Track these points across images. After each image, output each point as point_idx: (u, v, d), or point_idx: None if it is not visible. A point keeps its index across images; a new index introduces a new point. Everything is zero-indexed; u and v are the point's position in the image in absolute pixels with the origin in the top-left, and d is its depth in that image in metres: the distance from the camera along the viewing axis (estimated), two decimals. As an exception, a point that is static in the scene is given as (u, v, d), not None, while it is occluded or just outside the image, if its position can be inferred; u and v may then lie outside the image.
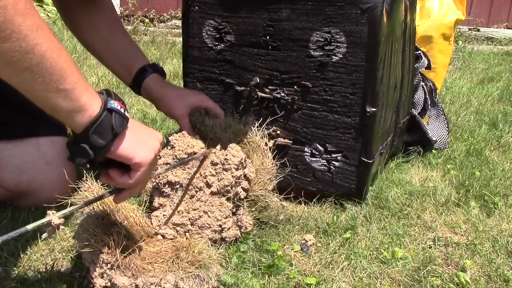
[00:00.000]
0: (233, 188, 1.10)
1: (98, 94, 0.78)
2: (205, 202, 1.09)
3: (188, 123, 1.17)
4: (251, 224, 1.12)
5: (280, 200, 1.23)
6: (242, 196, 1.12)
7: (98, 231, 0.88)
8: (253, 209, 1.15)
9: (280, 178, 1.21)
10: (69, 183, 1.19)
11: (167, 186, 1.10)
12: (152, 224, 1.09)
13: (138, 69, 1.20)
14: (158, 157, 0.88)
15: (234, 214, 1.12)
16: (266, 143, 1.21)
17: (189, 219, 1.09)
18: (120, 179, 0.80)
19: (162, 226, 1.08)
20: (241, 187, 1.11)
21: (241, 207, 1.12)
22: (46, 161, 1.19)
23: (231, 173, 1.09)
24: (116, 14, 1.27)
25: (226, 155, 1.09)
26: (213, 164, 1.09)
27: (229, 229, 1.10)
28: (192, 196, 1.10)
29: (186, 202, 1.10)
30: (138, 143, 0.79)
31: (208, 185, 1.10)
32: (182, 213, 1.10)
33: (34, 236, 1.09)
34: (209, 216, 1.09)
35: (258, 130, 1.20)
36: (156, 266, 0.88)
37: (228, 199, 1.10)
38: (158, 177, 1.10)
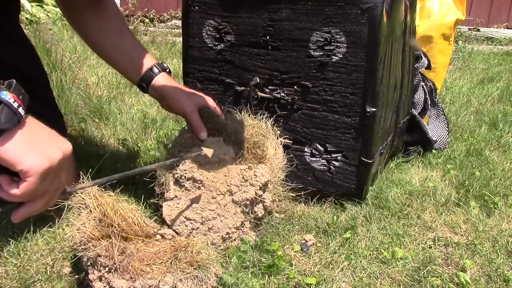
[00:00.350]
0: (252, 204, 1.12)
1: None
2: (222, 206, 1.10)
3: (198, 117, 1.18)
4: (253, 239, 1.13)
5: (286, 193, 1.25)
6: (258, 216, 1.14)
7: (96, 234, 0.87)
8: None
9: (288, 172, 1.24)
10: (67, 184, 1.19)
11: (190, 181, 1.12)
12: (162, 213, 1.11)
13: (147, 68, 1.22)
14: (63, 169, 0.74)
15: (240, 228, 1.12)
16: (277, 137, 1.26)
17: (201, 217, 1.10)
18: (8, 188, 0.67)
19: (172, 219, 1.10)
20: (262, 205, 1.14)
21: (248, 221, 1.13)
22: None
23: (255, 189, 1.11)
24: (121, 17, 1.29)
25: (255, 171, 1.12)
26: (242, 177, 1.12)
27: (234, 240, 1.10)
28: (212, 197, 1.11)
29: (204, 201, 1.11)
30: (29, 147, 0.67)
31: (231, 193, 1.11)
32: (197, 209, 1.10)
33: (34, 236, 1.09)
34: (221, 221, 1.09)
35: (271, 126, 1.24)
36: (155, 267, 0.88)
37: (242, 212, 1.11)
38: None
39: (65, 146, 0.73)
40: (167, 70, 1.24)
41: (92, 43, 1.24)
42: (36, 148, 0.68)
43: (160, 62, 1.25)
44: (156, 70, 1.21)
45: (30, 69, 1.24)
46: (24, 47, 1.26)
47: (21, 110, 0.68)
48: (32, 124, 0.71)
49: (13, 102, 0.67)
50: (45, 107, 1.26)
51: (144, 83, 1.22)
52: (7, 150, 0.66)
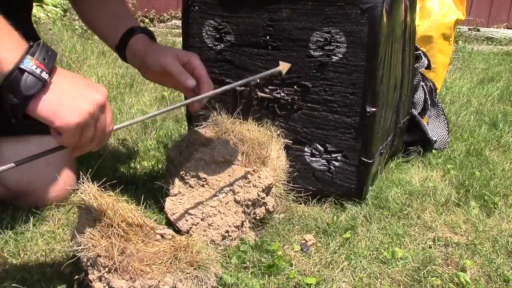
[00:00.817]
0: (254, 206, 1.13)
1: (22, 46, 0.74)
2: (224, 204, 1.11)
3: (179, 66, 1.05)
4: (253, 239, 1.13)
5: (287, 193, 1.26)
6: (259, 217, 1.15)
7: (95, 234, 0.87)
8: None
9: (290, 176, 1.26)
10: (68, 185, 1.19)
11: (195, 179, 1.13)
12: (165, 207, 1.12)
13: (125, 30, 1.11)
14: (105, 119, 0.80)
15: (240, 227, 1.13)
16: (282, 142, 1.27)
17: (202, 212, 1.10)
18: (56, 137, 0.76)
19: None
20: (264, 208, 1.15)
21: (248, 221, 1.14)
22: (48, 162, 1.20)
23: (258, 190, 1.12)
24: None
25: (259, 174, 1.13)
26: (246, 177, 1.13)
27: (233, 239, 1.11)
28: (214, 195, 1.12)
29: (206, 198, 1.12)
30: (59, 105, 0.74)
31: (234, 192, 1.12)
32: (198, 205, 1.11)
33: (34, 236, 1.09)
34: (221, 218, 1.10)
35: (275, 131, 1.27)
36: (155, 267, 0.88)
37: (243, 212, 1.12)
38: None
39: (95, 97, 0.77)
40: (150, 34, 1.15)
41: (78, 8, 1.21)
42: (66, 105, 0.74)
43: (144, 26, 1.16)
44: (135, 31, 1.11)
45: None
46: None
47: (44, 74, 0.73)
48: (59, 83, 0.76)
49: (36, 69, 0.72)
50: None
51: (121, 45, 1.11)
52: (41, 111, 0.73)
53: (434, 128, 1.77)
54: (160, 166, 1.50)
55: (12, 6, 1.18)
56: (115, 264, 0.85)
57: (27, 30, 1.27)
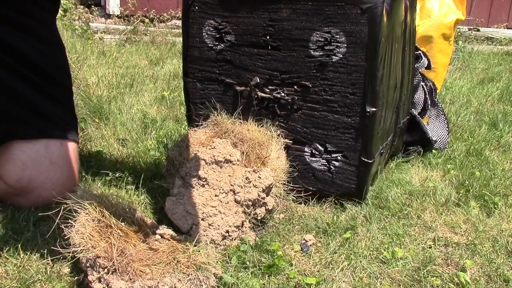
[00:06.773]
0: (254, 206, 1.13)
1: None
2: (224, 204, 1.11)
3: None
4: (253, 239, 1.13)
5: (287, 193, 1.27)
6: (259, 218, 1.15)
7: (95, 234, 0.87)
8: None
9: (290, 177, 1.27)
10: (69, 185, 1.19)
11: (195, 178, 1.13)
12: (165, 207, 1.12)
13: None
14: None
15: (240, 227, 1.13)
16: (281, 142, 1.28)
17: (202, 212, 1.10)
18: None
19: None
20: (264, 208, 1.15)
21: (248, 221, 1.14)
22: (51, 161, 1.20)
23: (258, 191, 1.12)
24: None
25: (259, 174, 1.13)
26: (246, 178, 1.13)
27: (234, 239, 1.11)
28: (215, 195, 1.12)
29: (206, 198, 1.12)
30: None
31: (234, 192, 1.12)
32: (199, 205, 1.11)
33: (34, 236, 1.09)
34: (222, 218, 1.10)
35: (275, 132, 1.28)
36: (154, 268, 0.88)
37: (244, 212, 1.12)
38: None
39: None
40: None
41: None
42: None
43: None
44: None
45: (51, 68, 1.25)
46: (52, 48, 1.28)
47: None
48: None
49: None
50: (61, 107, 1.27)
51: None
52: None
53: (434, 128, 1.77)
54: (160, 166, 1.50)
55: (38, 8, 1.21)
56: (114, 265, 0.85)
57: (50, 30, 1.29)
